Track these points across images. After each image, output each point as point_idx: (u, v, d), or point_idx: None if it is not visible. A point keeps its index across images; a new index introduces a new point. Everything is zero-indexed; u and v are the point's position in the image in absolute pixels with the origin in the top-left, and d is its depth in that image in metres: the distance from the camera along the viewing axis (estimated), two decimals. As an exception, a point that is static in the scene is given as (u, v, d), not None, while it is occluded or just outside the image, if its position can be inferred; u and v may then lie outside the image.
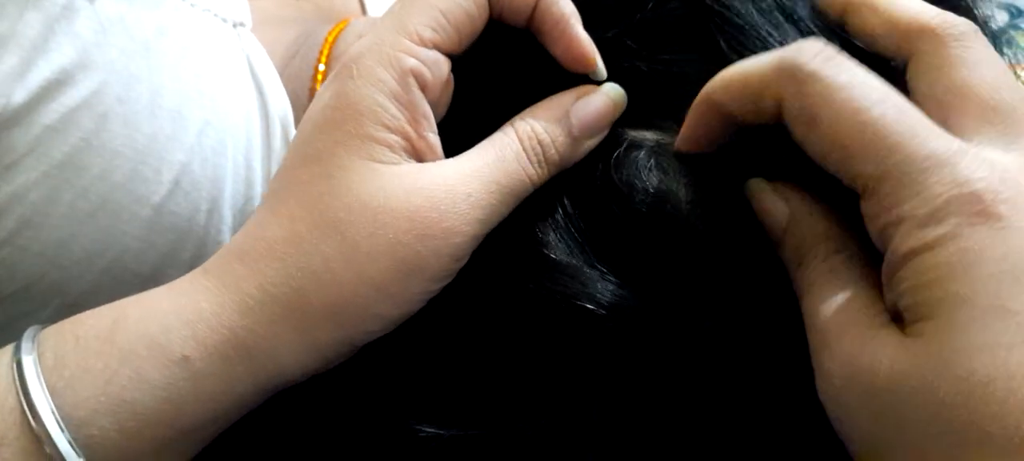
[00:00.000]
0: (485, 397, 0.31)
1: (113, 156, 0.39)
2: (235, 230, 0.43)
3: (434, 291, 0.29)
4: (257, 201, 0.44)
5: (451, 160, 0.30)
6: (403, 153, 0.29)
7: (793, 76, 0.25)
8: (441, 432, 0.30)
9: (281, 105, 0.46)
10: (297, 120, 0.47)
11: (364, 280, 0.28)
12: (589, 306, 0.29)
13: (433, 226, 0.28)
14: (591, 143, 0.31)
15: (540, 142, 0.30)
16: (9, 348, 0.29)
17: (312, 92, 0.48)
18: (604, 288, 0.29)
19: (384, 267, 0.28)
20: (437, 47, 0.30)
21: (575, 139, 0.31)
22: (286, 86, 0.47)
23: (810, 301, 0.27)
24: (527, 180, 0.30)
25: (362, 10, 0.63)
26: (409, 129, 0.29)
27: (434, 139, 0.30)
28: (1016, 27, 0.77)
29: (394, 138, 0.29)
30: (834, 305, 0.26)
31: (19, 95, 0.36)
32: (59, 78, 0.37)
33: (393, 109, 0.28)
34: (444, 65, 0.30)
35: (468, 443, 0.30)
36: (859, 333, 0.25)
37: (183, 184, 0.41)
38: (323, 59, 0.49)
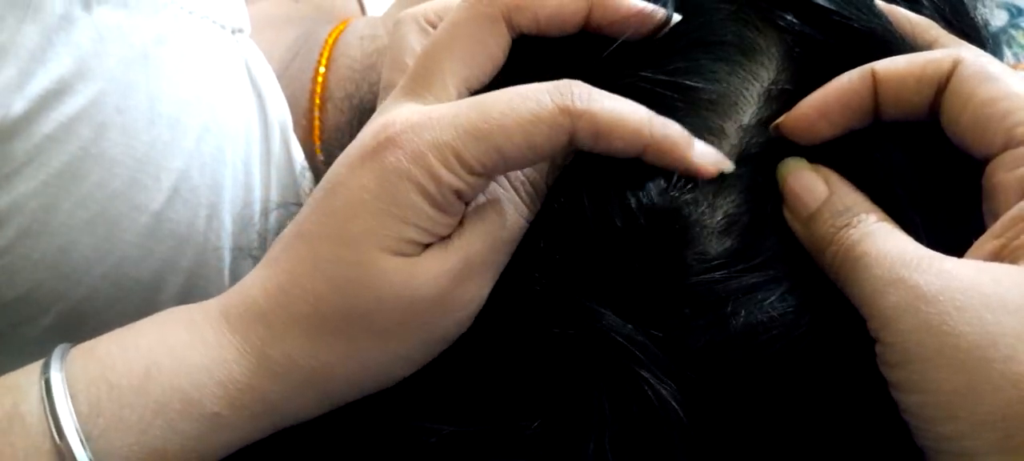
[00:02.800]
0: (482, 395, 0.31)
1: (112, 164, 0.39)
2: (235, 236, 0.44)
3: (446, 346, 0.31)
4: (256, 206, 0.44)
5: (465, 229, 0.30)
6: (431, 241, 0.29)
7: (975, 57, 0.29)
8: (440, 428, 0.30)
9: (280, 111, 0.46)
10: (296, 124, 0.47)
11: (389, 355, 0.30)
12: (569, 331, 0.29)
13: (456, 301, 0.29)
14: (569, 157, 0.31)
15: (532, 182, 0.30)
16: (36, 388, 0.29)
17: (312, 94, 0.48)
18: (586, 310, 0.29)
19: (409, 344, 0.30)
20: (487, 176, 0.29)
21: (559, 164, 0.31)
22: (286, 88, 0.47)
23: (872, 244, 0.28)
24: (525, 222, 0.30)
25: (361, 10, 0.63)
26: (441, 230, 0.29)
27: (459, 216, 0.30)
28: (1016, 26, 0.76)
29: (425, 236, 0.29)
30: (908, 242, 0.27)
31: (18, 106, 0.36)
32: (57, 88, 0.37)
33: (432, 213, 0.29)
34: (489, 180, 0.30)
35: (465, 439, 0.30)
36: (951, 261, 0.26)
37: (182, 191, 0.41)
38: (324, 62, 0.49)
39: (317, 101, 0.48)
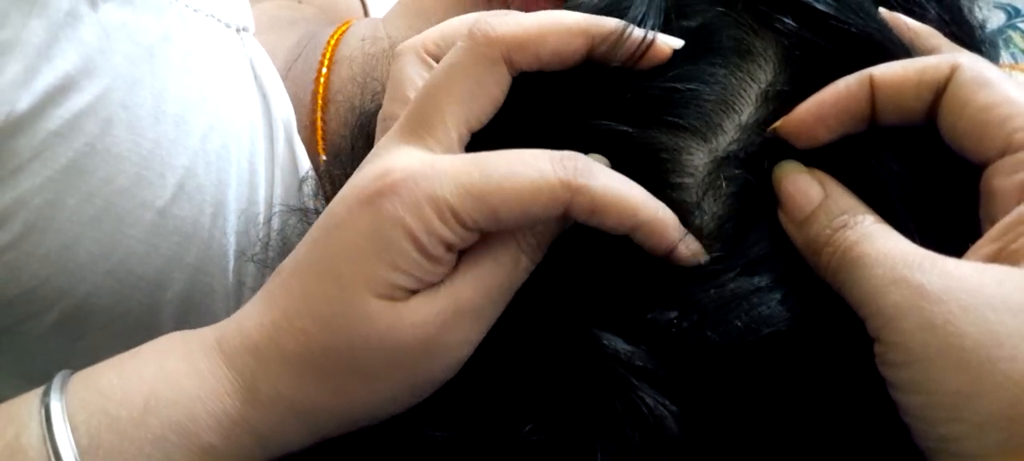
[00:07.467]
0: (477, 402, 0.31)
1: (117, 161, 0.39)
2: (239, 234, 0.44)
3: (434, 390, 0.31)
4: (261, 205, 0.45)
5: (457, 276, 0.30)
6: (419, 288, 0.30)
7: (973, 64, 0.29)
8: (436, 433, 0.30)
9: (284, 109, 0.46)
10: (300, 123, 0.47)
11: (375, 396, 0.30)
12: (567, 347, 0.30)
13: (443, 348, 0.29)
14: None
15: (535, 237, 0.30)
16: (36, 420, 0.30)
17: (315, 95, 0.48)
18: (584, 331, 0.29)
19: (395, 386, 0.30)
20: (480, 232, 0.30)
21: (569, 219, 0.31)
22: (289, 89, 0.47)
23: (871, 244, 0.28)
24: (523, 273, 0.30)
25: (364, 11, 0.64)
26: (430, 277, 0.29)
27: (450, 266, 0.30)
28: (1014, 27, 0.76)
29: (414, 283, 0.29)
30: (908, 243, 0.27)
31: (24, 102, 0.36)
32: (63, 84, 0.37)
33: (421, 261, 0.29)
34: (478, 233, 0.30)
35: (459, 445, 0.30)
36: (952, 262, 0.26)
37: (187, 188, 0.41)
38: (326, 63, 0.49)
39: (320, 102, 0.48)
